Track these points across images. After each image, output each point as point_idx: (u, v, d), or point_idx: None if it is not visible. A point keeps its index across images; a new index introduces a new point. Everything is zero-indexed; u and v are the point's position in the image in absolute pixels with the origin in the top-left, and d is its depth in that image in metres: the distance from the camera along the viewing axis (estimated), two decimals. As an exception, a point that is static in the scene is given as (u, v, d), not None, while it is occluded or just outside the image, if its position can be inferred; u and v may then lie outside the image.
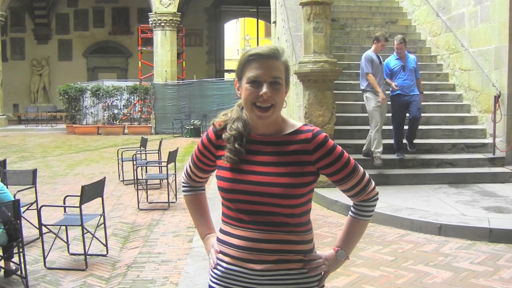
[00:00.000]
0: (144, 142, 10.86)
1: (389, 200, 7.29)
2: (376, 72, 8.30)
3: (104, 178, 5.81)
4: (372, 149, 8.30)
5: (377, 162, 8.22)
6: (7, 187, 5.38)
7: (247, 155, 1.92)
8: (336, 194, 7.23)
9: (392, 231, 6.33)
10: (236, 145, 1.91)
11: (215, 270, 1.98)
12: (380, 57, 8.64)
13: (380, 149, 8.25)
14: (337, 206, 7.25)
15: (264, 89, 1.83)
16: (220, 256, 1.96)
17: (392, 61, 8.82)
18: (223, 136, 1.96)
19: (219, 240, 1.99)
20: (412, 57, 8.94)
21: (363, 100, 8.66)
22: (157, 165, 9.80)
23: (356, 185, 1.97)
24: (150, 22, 23.21)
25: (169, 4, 23.03)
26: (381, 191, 7.75)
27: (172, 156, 8.37)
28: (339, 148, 1.95)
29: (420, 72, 11.58)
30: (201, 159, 2.08)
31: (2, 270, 4.92)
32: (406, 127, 8.85)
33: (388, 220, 6.58)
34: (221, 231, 1.99)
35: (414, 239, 5.98)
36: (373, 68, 8.28)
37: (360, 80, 8.59)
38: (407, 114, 8.77)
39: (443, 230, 6.12)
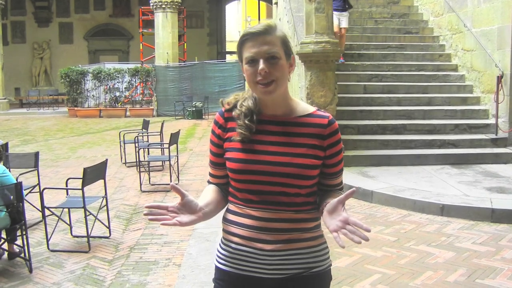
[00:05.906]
0: (146, 125, 10.85)
1: (392, 180, 7.29)
2: None
3: (106, 160, 5.82)
4: None
5: None
6: (9, 170, 5.39)
7: (258, 135, 1.90)
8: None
9: (394, 211, 6.34)
10: (247, 121, 1.89)
11: (222, 251, 1.97)
12: None
13: None
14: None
15: (261, 66, 1.81)
16: (229, 236, 1.94)
17: None
18: (234, 113, 1.94)
19: (227, 220, 1.96)
20: None
21: None
22: (159, 147, 9.80)
23: (340, 183, 2.01)
24: (151, 4, 23.02)
25: (170, -15, 22.85)
26: (384, 172, 7.72)
27: (174, 138, 8.36)
28: (341, 143, 1.98)
29: (422, 52, 11.61)
30: (218, 151, 2.00)
31: (6, 253, 4.95)
32: None
33: (391, 201, 6.59)
34: (229, 211, 1.96)
35: (417, 220, 5.99)
36: None
37: None
38: None
39: (445, 210, 6.13)
